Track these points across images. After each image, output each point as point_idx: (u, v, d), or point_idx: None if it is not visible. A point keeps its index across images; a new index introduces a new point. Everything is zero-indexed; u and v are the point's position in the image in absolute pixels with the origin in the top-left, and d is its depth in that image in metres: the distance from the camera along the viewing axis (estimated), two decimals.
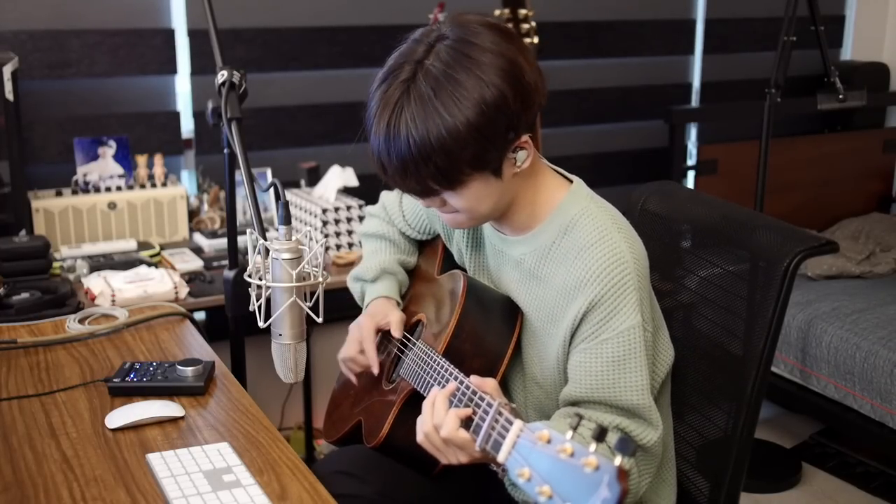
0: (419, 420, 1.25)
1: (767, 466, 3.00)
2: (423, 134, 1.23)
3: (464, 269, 1.54)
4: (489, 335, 1.42)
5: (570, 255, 1.35)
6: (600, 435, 0.85)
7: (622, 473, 0.80)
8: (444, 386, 1.26)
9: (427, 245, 1.69)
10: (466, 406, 1.17)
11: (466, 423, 1.16)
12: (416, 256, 1.70)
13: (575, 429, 0.88)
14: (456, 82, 1.23)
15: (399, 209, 1.68)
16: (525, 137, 1.30)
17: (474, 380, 1.22)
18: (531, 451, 0.92)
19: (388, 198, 1.72)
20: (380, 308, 1.58)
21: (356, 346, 1.53)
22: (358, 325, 1.56)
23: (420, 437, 1.24)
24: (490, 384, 1.23)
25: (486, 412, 1.10)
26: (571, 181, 1.43)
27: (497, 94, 1.24)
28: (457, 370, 1.28)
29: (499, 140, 1.27)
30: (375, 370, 1.51)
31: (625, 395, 1.30)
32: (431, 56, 1.26)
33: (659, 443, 1.33)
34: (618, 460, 0.80)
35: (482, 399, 1.14)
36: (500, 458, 0.99)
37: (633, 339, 1.30)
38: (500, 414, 1.06)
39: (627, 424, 1.31)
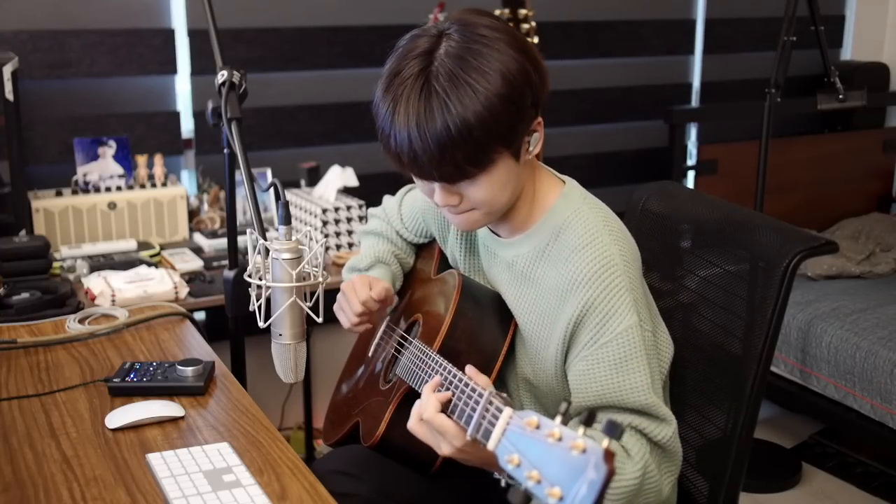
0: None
1: (767, 466, 3.00)
2: (459, 111, 1.23)
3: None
4: (484, 333, 1.42)
5: (561, 257, 1.35)
6: (588, 419, 0.85)
7: (609, 455, 0.80)
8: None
9: (424, 248, 1.70)
10: (459, 398, 1.17)
11: (459, 415, 1.16)
12: (412, 258, 1.70)
13: (564, 414, 0.89)
14: (480, 55, 1.25)
15: (398, 211, 1.68)
16: (539, 119, 1.33)
17: (469, 371, 1.21)
18: (520, 437, 0.92)
19: (389, 200, 1.73)
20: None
21: (355, 295, 1.52)
22: (349, 280, 1.55)
23: (411, 424, 1.25)
24: (483, 379, 1.23)
25: (477, 402, 1.10)
26: (564, 182, 1.44)
27: (519, 65, 1.26)
28: (451, 366, 1.27)
29: (526, 112, 1.29)
30: (380, 294, 1.51)
31: (631, 397, 1.29)
32: (443, 44, 1.27)
33: (675, 438, 1.32)
34: (605, 442, 0.80)
35: (473, 390, 1.14)
36: (490, 445, 0.99)
37: (632, 340, 1.29)
38: (491, 403, 1.06)
39: (640, 422, 1.30)
